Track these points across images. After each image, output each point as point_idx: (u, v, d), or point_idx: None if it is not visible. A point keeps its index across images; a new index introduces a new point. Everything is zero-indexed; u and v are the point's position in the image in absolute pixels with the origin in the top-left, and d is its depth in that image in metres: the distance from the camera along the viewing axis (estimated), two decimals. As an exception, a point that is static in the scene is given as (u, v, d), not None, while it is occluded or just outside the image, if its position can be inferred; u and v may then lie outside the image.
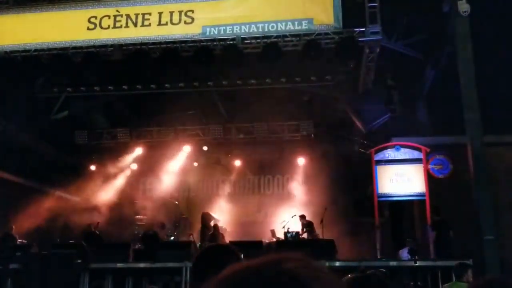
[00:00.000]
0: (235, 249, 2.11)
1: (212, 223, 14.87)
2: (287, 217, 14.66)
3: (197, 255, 2.11)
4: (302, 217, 14.68)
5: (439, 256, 11.15)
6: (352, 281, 2.42)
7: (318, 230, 13.37)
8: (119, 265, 11.68)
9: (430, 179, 12.75)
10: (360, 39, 11.87)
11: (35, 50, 12.80)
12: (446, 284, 7.31)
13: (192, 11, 12.30)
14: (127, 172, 19.08)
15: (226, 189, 19.43)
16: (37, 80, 15.73)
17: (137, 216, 16.76)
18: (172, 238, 15.10)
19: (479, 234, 10.47)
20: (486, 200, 10.67)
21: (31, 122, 16.12)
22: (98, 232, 14.41)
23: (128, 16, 12.50)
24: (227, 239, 14.23)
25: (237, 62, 12.54)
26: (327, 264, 10.86)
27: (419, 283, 10.59)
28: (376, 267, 9.96)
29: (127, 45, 12.66)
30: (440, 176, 12.89)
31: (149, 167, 19.56)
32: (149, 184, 19.95)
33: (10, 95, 14.37)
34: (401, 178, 13.02)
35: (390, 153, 13.32)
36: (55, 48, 12.74)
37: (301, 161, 18.18)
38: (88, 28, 12.64)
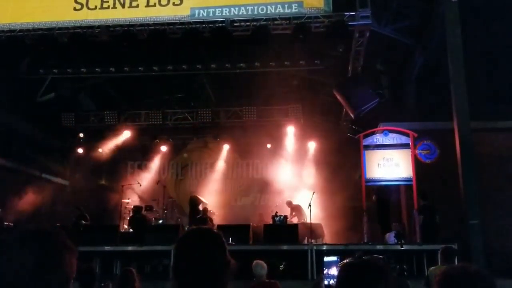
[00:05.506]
0: (218, 233, 2.08)
1: (200, 207, 14.87)
2: (275, 201, 14.72)
3: (179, 238, 2.07)
4: (289, 203, 14.74)
5: (425, 240, 11.28)
6: (348, 266, 2.37)
7: (306, 214, 13.43)
8: (107, 248, 11.67)
9: (417, 164, 12.84)
10: (350, 23, 11.76)
11: (20, 31, 12.51)
12: (431, 268, 7.39)
13: (181, -7, 12.10)
14: (115, 155, 18.96)
15: (215, 172, 19.43)
16: (23, 61, 15.45)
17: (125, 200, 16.71)
18: (160, 221, 15.09)
19: (464, 218, 10.58)
20: (472, 185, 10.76)
21: (17, 104, 15.90)
22: (86, 215, 14.35)
23: (115, -4, 12.26)
24: (216, 222, 14.26)
25: (226, 45, 12.39)
26: (314, 248, 10.96)
27: (405, 266, 10.68)
28: (362, 250, 10.04)
29: (114, 26, 12.40)
30: (427, 161, 12.97)
31: (137, 150, 19.50)
32: (137, 167, 19.90)
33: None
34: (389, 163, 13.10)
35: (378, 138, 13.39)
36: (41, 29, 12.46)
37: (289, 145, 18.19)
38: (75, 9, 12.38)
